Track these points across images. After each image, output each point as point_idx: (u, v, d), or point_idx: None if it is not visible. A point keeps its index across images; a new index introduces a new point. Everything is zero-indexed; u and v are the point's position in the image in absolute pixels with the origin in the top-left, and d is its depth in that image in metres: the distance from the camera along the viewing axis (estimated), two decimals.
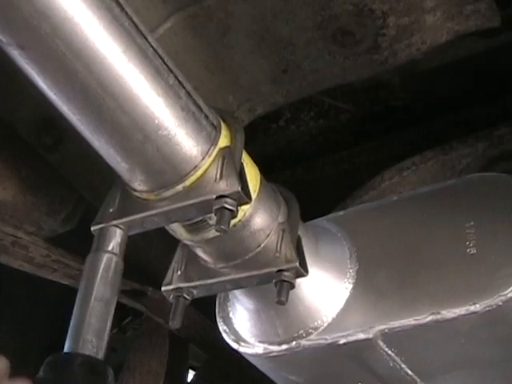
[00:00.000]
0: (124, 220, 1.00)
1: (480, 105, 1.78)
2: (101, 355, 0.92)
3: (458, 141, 1.63)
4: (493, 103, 1.76)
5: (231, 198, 0.97)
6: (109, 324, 0.95)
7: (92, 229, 1.01)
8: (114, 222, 1.00)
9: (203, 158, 0.97)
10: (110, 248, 0.98)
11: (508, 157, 1.58)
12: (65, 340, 0.93)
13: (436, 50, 1.37)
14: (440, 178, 1.59)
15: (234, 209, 0.97)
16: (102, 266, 0.97)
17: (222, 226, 0.95)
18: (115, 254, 0.98)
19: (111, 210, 1.01)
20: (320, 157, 1.94)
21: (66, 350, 0.92)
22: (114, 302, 0.97)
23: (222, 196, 0.96)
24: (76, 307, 0.95)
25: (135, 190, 1.00)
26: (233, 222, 1.03)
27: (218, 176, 0.97)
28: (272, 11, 1.31)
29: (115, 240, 0.99)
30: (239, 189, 0.96)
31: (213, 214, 0.98)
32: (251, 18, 1.32)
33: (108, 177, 1.05)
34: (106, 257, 0.97)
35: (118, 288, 0.98)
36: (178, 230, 1.06)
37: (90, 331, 0.92)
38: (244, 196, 0.97)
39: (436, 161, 1.62)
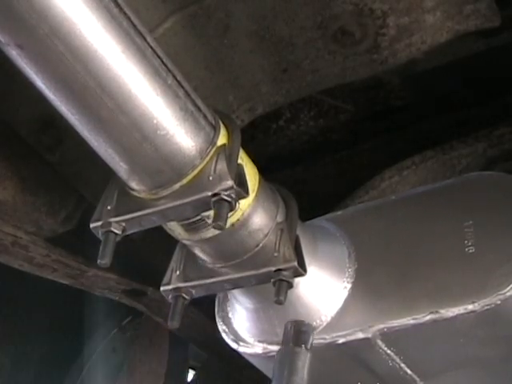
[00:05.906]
0: (122, 218, 1.00)
1: (480, 105, 1.78)
2: None
3: (458, 141, 1.63)
4: (493, 103, 1.76)
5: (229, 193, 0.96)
6: None
7: (91, 226, 1.01)
8: (113, 220, 1.00)
9: (201, 158, 0.97)
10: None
11: (508, 157, 1.58)
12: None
13: (436, 49, 1.36)
14: (440, 177, 1.59)
15: (233, 201, 0.96)
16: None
17: (219, 223, 0.95)
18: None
19: (109, 208, 1.01)
20: (320, 157, 1.94)
21: None
22: None
23: (217, 194, 0.96)
24: None
25: (133, 189, 1.00)
26: (231, 221, 1.03)
27: (212, 173, 0.97)
28: (272, 11, 1.31)
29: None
30: (233, 184, 0.96)
31: (210, 213, 0.98)
32: (251, 18, 1.32)
33: (108, 176, 1.05)
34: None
35: None
36: (176, 229, 1.06)
37: None
38: (241, 191, 0.97)
39: (436, 160, 1.62)
